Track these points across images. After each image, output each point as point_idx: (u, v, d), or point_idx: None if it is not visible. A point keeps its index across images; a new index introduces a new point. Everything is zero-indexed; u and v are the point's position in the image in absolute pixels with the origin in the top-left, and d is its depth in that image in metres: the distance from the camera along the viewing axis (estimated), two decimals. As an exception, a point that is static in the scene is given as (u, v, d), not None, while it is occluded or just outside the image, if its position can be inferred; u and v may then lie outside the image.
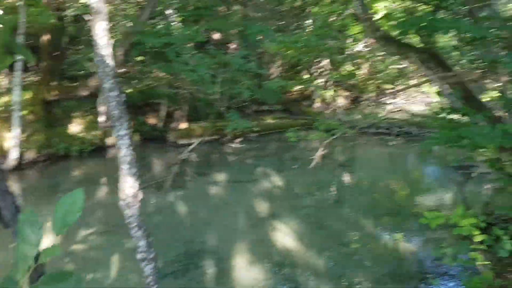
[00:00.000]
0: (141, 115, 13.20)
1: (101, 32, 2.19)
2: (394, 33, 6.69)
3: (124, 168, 2.26)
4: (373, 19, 6.79)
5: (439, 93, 5.24)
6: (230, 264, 6.21)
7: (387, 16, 6.33)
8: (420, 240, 7.05)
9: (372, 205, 8.98)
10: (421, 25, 4.02)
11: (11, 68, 9.81)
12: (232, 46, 16.27)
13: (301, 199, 9.14)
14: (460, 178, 9.90)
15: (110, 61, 2.26)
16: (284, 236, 7.16)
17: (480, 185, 9.78)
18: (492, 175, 9.37)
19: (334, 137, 6.99)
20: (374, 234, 7.42)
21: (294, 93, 19.14)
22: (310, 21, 18.10)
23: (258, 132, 12.83)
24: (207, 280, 5.80)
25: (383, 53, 17.69)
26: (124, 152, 2.25)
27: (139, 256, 2.34)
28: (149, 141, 12.74)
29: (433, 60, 5.95)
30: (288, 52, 9.44)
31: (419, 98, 20.06)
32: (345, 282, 5.74)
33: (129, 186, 2.26)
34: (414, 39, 8.85)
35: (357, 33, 15.14)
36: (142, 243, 2.30)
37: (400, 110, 16.00)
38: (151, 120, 13.26)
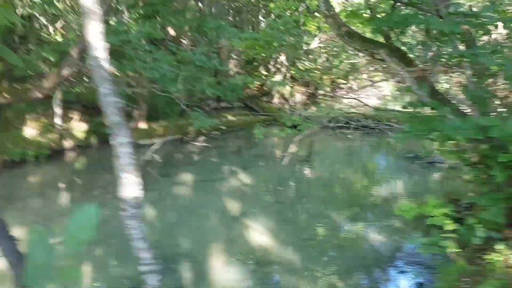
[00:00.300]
0: (97, 115, 12.68)
1: (95, 34, 2.06)
2: (359, 29, 6.86)
3: (126, 177, 2.15)
4: (337, 15, 6.90)
5: (408, 88, 5.42)
6: (206, 265, 6.14)
7: (353, 13, 6.47)
8: (389, 230, 7.29)
9: (339, 198, 9.22)
10: (395, 21, 4.13)
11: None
12: (185, 42, 16.02)
13: (269, 196, 9.20)
14: (419, 168, 10.35)
15: (106, 65, 2.14)
16: (256, 233, 7.17)
17: (436, 175, 10.28)
18: (447, 165, 9.91)
19: (305, 133, 7.08)
20: (342, 227, 7.60)
21: (253, 89, 19.18)
22: (269, 17, 18.19)
23: (221, 130, 12.74)
24: (185, 284, 5.69)
25: (337, 48, 18.14)
26: (125, 160, 2.14)
27: (143, 268, 2.24)
28: (108, 143, 12.26)
29: (396, 55, 6.15)
30: (253, 48, 9.41)
31: (372, 92, 20.78)
32: (317, 275, 5.84)
33: (132, 196, 2.16)
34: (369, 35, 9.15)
35: (314, 29, 15.43)
36: (146, 255, 2.21)
37: (364, 105, 16.47)
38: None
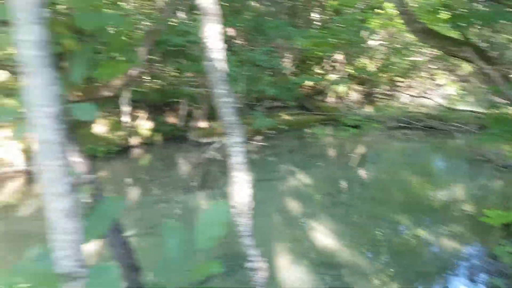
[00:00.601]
0: (161, 114, 13.14)
1: (213, 35, 2.10)
2: (435, 26, 6.61)
3: (239, 175, 2.19)
4: (412, 11, 6.69)
5: (495, 88, 5.15)
6: (273, 264, 6.15)
7: (432, 11, 6.25)
8: (458, 236, 6.96)
9: (401, 201, 8.89)
10: (489, 16, 3.93)
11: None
12: (242, 42, 16.11)
13: (328, 197, 9.06)
14: (490, 172, 9.82)
15: (223, 66, 2.18)
16: (316, 234, 7.10)
17: (508, 179, 9.69)
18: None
19: (371, 133, 6.92)
20: (409, 231, 7.34)
21: (307, 88, 18.99)
22: (322, 15, 17.97)
23: (279, 129, 12.75)
24: (251, 282, 5.72)
25: (399, 45, 17.60)
26: (238, 159, 2.18)
27: (249, 265, 2.28)
28: (171, 140, 12.69)
29: (478, 53, 5.86)
30: (317, 46, 9.32)
31: (436, 91, 19.90)
32: (382, 280, 5.68)
33: (244, 194, 2.20)
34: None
35: (375, 26, 15.02)
36: (253, 252, 2.24)
37: (427, 105, 15.90)
38: (172, 120, 13.19)
